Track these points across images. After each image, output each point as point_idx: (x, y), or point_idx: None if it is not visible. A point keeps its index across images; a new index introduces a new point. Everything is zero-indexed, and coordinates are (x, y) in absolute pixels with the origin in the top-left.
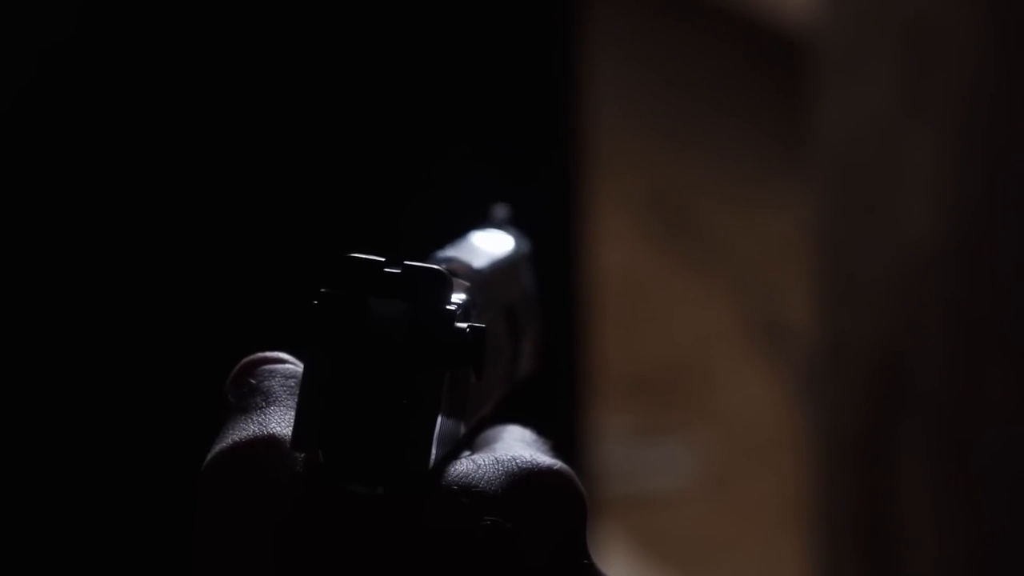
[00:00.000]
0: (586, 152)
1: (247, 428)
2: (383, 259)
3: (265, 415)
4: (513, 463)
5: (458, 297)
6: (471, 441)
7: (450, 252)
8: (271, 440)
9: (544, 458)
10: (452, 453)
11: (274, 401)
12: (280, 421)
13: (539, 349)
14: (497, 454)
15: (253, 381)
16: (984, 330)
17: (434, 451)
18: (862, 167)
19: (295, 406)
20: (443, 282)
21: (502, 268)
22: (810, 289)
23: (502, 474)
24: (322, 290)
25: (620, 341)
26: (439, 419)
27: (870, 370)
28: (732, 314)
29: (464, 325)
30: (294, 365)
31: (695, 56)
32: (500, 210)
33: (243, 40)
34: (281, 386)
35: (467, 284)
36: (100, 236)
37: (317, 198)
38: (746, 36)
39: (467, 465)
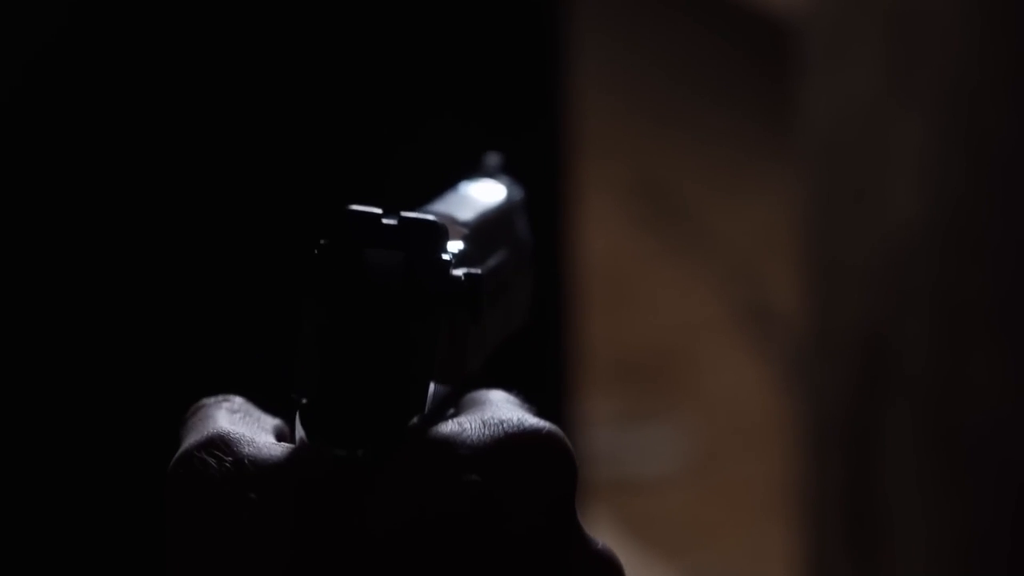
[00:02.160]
0: (572, 137)
1: (199, 433)
2: (380, 211)
3: (214, 420)
4: (501, 424)
5: (454, 246)
6: (456, 402)
7: (441, 204)
8: (222, 436)
9: (533, 419)
10: (437, 413)
11: (221, 417)
12: (229, 420)
13: (532, 299)
14: (484, 415)
15: (201, 412)
16: (970, 314)
17: (429, 400)
18: (848, 152)
19: (240, 421)
20: (439, 232)
21: (494, 218)
22: (796, 274)
23: (490, 435)
24: (320, 242)
25: (606, 326)
26: (435, 369)
27: (856, 355)
28: (718, 299)
29: (459, 273)
30: (243, 400)
31: (681, 41)
32: (492, 158)
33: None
34: (227, 410)
35: (463, 233)
36: (84, 227)
37: (303, 168)
38: (732, 21)
39: (452, 426)
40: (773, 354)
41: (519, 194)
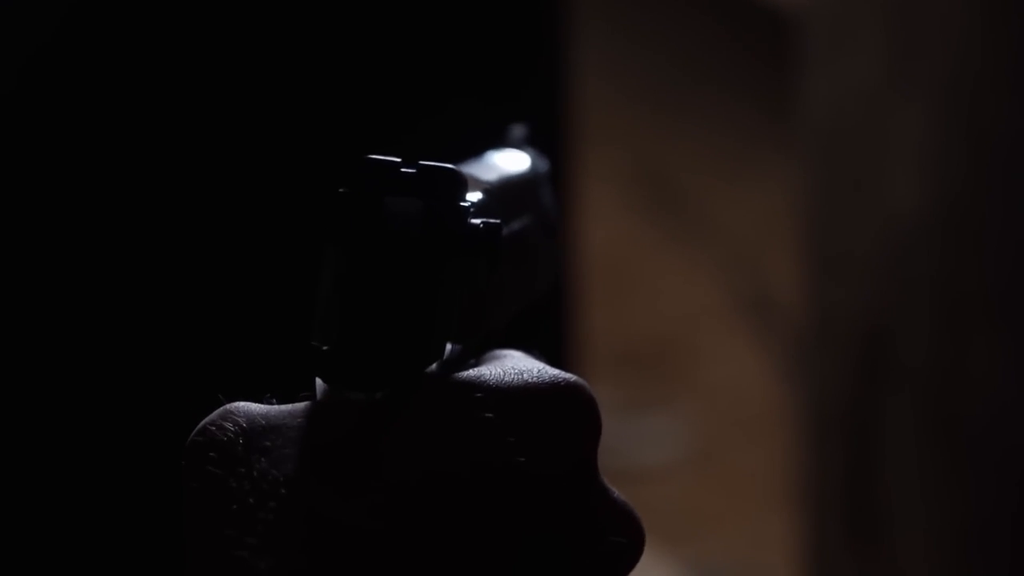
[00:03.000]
0: (572, 126)
1: (209, 416)
2: (399, 159)
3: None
4: (521, 373)
5: (473, 195)
6: (476, 357)
7: (465, 167)
8: (235, 406)
9: (555, 370)
10: (457, 364)
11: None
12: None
13: (557, 268)
14: (504, 365)
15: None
16: (970, 304)
17: (449, 350)
18: (849, 141)
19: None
20: (458, 180)
21: (517, 183)
22: (797, 263)
23: (509, 381)
24: (339, 190)
25: (607, 315)
26: (454, 316)
27: (857, 344)
28: (719, 288)
29: (478, 220)
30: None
31: (682, 30)
32: (518, 130)
33: None
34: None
35: (485, 187)
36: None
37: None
38: (733, 10)
39: (472, 372)
40: (773, 344)
41: (544, 165)
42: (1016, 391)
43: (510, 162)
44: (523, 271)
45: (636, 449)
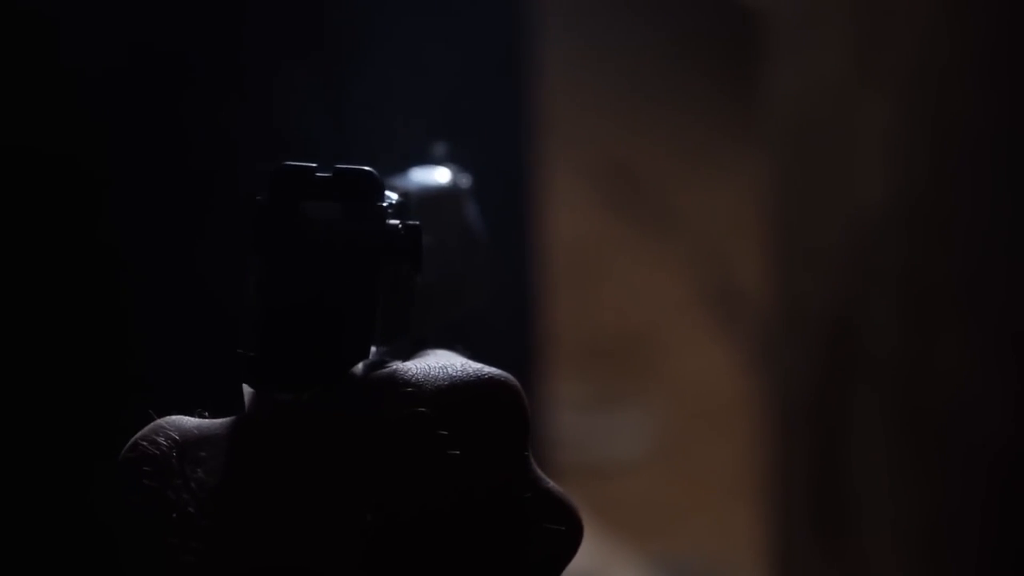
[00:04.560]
0: (538, 122)
1: (141, 432)
2: (314, 165)
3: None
4: (445, 368)
5: (391, 196)
6: (404, 359)
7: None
8: (165, 421)
9: (478, 365)
10: (384, 363)
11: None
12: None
13: (483, 282)
14: (428, 361)
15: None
16: (936, 297)
17: (373, 349)
18: (815, 134)
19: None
20: (374, 182)
21: (435, 195)
22: (763, 256)
23: (434, 375)
24: (257, 198)
25: (574, 309)
26: (377, 316)
27: (823, 337)
28: (686, 282)
29: (397, 221)
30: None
31: (647, 24)
32: (439, 147)
33: None
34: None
35: (401, 192)
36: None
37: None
38: (698, 4)
39: (396, 367)
40: (740, 336)
41: (467, 182)
42: (982, 384)
43: (428, 176)
44: (449, 281)
45: (604, 444)
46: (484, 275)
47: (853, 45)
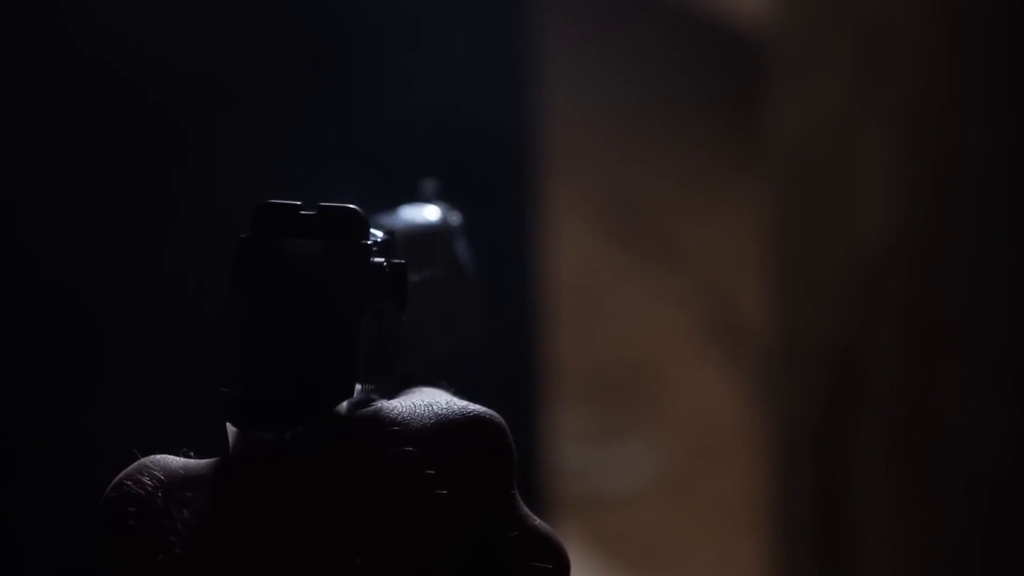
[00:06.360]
0: (541, 153)
1: (125, 471)
2: (299, 203)
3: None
4: (431, 406)
5: (377, 234)
6: (390, 397)
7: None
8: (150, 460)
9: (464, 402)
10: (369, 401)
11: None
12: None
13: (474, 319)
14: (414, 399)
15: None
16: (938, 328)
17: (358, 388)
18: (816, 165)
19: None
20: (358, 220)
21: (425, 233)
22: (765, 288)
23: (420, 413)
24: (240, 236)
25: (576, 341)
26: (361, 354)
27: (825, 368)
28: (688, 313)
29: (381, 259)
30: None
31: (650, 57)
32: (429, 185)
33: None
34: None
35: (388, 230)
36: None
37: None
38: (701, 35)
39: (382, 405)
40: (742, 368)
41: (457, 219)
42: (983, 415)
43: (418, 213)
44: (438, 318)
45: (606, 475)
46: (475, 312)
47: (855, 78)
